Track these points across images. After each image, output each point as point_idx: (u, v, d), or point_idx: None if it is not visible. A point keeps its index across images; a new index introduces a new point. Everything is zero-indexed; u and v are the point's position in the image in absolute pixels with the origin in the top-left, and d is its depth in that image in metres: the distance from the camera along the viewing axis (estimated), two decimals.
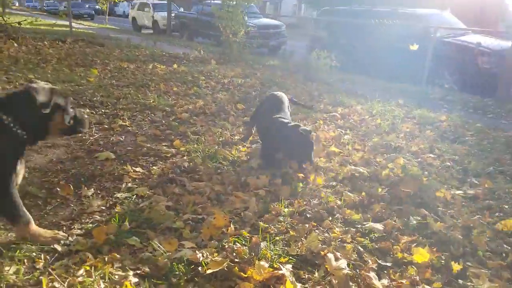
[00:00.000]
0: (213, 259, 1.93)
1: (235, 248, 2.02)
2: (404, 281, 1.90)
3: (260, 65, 10.33)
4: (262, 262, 1.90)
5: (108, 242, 2.07)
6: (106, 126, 4.01)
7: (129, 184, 2.81)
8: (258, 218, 2.43)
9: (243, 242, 2.13)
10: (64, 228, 2.23)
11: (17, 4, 45.21)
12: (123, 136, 3.79)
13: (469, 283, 1.94)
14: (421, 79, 7.85)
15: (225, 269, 1.85)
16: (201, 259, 1.93)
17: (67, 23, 14.52)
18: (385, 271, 2.01)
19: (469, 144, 4.42)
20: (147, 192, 2.67)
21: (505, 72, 8.01)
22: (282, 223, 2.38)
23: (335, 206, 2.64)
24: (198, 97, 5.66)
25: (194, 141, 3.76)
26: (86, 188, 2.64)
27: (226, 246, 2.06)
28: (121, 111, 4.54)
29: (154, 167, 3.11)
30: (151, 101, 4.96)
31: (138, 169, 3.06)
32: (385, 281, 1.92)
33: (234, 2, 10.41)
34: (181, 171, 3.03)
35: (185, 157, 3.31)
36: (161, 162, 3.24)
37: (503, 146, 4.41)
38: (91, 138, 3.66)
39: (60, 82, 5.73)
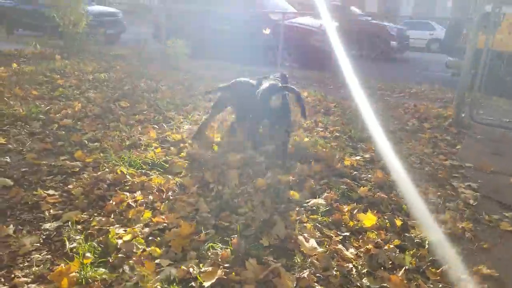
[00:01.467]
0: (201, 270, 1.87)
1: (219, 254, 1.99)
2: (369, 246, 2.19)
3: (110, 56, 9.56)
4: (251, 261, 1.93)
5: (73, 283, 1.77)
6: None
7: (52, 211, 2.39)
8: (216, 218, 2.40)
9: (221, 246, 2.10)
10: (3, 280, 1.80)
11: None
12: (8, 157, 3.12)
13: (412, 234, 2.35)
14: (275, 61, 8.54)
15: (223, 277, 1.82)
16: (193, 273, 1.84)
17: None
18: (347, 241, 2.27)
19: (339, 115, 5.14)
20: (83, 216, 2.33)
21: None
22: (242, 218, 2.40)
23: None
24: (68, 98, 4.98)
25: (97, 150, 3.37)
26: (5, 227, 2.15)
27: (209, 254, 2.00)
28: None
29: (69, 186, 2.69)
30: (20, 110, 4.14)
31: (51, 191, 2.61)
32: (352, 250, 2.17)
33: None
34: (108, 185, 2.71)
35: (106, 169, 2.95)
36: (73, 179, 2.81)
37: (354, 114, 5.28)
38: None
39: None
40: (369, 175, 3.21)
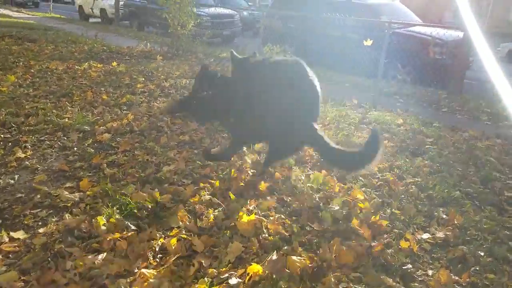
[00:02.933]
0: None
1: None
2: None
3: (212, 58, 9.45)
4: None
5: None
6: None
7: None
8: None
9: None
10: None
11: None
12: (16, 176, 2.90)
13: None
14: (376, 72, 7.30)
15: None
16: None
17: (9, 12, 12.85)
18: None
19: (431, 156, 3.87)
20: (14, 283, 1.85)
21: (457, 63, 7.65)
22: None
23: None
24: (130, 107, 4.77)
25: (108, 178, 2.93)
26: None
27: None
28: (25, 136, 3.59)
29: (41, 230, 2.27)
30: (67, 120, 4.03)
31: (18, 234, 2.22)
32: None
33: None
34: (73, 237, 2.21)
35: (87, 210, 2.48)
36: (54, 219, 2.40)
37: (464, 156, 3.92)
38: None
39: None
40: (429, 274, 2.10)
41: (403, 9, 9.80)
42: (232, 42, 14.17)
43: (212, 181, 2.95)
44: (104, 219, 2.31)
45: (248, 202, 2.61)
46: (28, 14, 20.68)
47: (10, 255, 2.07)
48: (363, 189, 3.06)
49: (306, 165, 3.43)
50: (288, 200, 2.78)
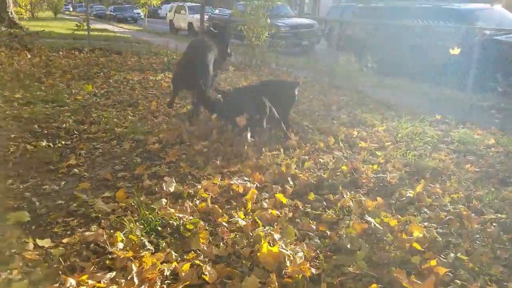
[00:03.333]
0: None
1: None
2: None
3: (284, 68, 9.36)
4: None
5: None
6: (51, 167, 3.28)
7: (11, 275, 2.01)
8: None
9: None
10: None
11: (71, 10, 47.33)
12: (63, 183, 3.04)
13: None
14: (466, 84, 6.47)
15: None
16: None
17: (110, 27, 14.35)
18: None
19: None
20: None
21: None
22: None
23: None
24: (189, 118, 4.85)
25: (144, 191, 2.93)
26: None
27: None
28: (83, 143, 3.81)
29: (65, 240, 2.30)
30: (124, 129, 4.20)
31: (43, 242, 2.27)
32: None
33: (257, 3, 9.49)
34: (90, 251, 2.20)
35: (114, 222, 2.48)
36: (81, 229, 2.43)
37: None
38: (20, 186, 2.95)
39: (43, 102, 5.16)
40: None
41: (505, 14, 8.65)
42: (311, 51, 13.95)
43: (245, 200, 2.77)
44: (122, 235, 2.26)
45: (274, 228, 2.37)
46: (126, 28, 22.91)
47: (30, 264, 2.11)
48: (425, 223, 2.61)
49: (359, 190, 3.07)
50: (328, 232, 2.47)
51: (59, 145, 3.75)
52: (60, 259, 2.11)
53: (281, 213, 2.65)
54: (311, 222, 2.59)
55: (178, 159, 3.56)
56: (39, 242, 2.26)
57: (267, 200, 2.83)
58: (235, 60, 9.86)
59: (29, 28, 11.55)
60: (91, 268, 2.04)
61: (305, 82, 7.70)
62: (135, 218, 2.49)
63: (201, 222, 2.49)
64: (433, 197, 2.95)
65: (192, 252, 2.22)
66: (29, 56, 8.54)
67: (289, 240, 2.31)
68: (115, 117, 4.60)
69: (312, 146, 3.99)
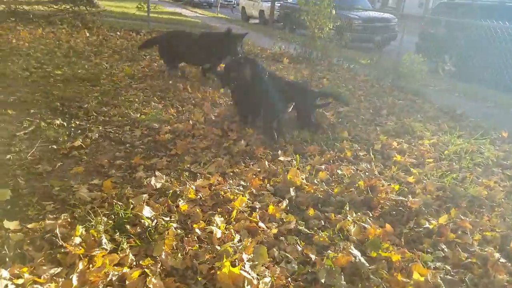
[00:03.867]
0: None
1: None
2: None
3: (346, 63, 8.91)
4: None
5: None
6: (54, 147, 3.35)
7: None
8: None
9: None
10: None
11: None
12: (59, 164, 3.09)
13: None
14: None
15: None
16: None
17: (184, 11, 14.76)
18: None
19: None
20: None
21: None
22: None
23: None
24: (215, 105, 4.78)
25: (134, 183, 2.87)
26: None
27: None
28: (96, 125, 3.87)
29: (29, 225, 2.29)
30: (140, 115, 4.21)
31: (10, 224, 2.28)
32: None
33: None
34: (44, 241, 2.16)
35: (86, 214, 2.43)
36: (52, 216, 2.40)
37: None
38: (16, 163, 3.04)
39: (79, 80, 5.39)
40: None
41: None
42: (385, 48, 13.16)
43: (232, 207, 2.58)
44: (82, 229, 2.20)
45: (246, 245, 2.15)
46: (199, 13, 23.53)
47: None
48: (437, 264, 2.23)
49: (369, 212, 2.72)
50: (312, 257, 2.20)
51: (73, 125, 3.83)
52: (15, 245, 2.10)
53: (267, 228, 2.43)
54: (299, 242, 2.34)
55: (184, 152, 3.46)
56: (5, 224, 2.27)
57: (257, 210, 2.62)
58: (294, 52, 9.62)
59: (103, 6, 12.24)
60: (39, 260, 2.00)
61: (364, 81, 7.26)
62: (107, 212, 2.43)
63: (174, 227, 2.35)
64: (459, 232, 2.53)
65: (150, 258, 2.09)
66: (87, 34, 9.04)
67: (260, 262, 2.08)
68: (139, 102, 4.63)
69: (336, 154, 3.67)
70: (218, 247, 2.17)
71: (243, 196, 2.68)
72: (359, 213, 2.67)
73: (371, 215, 2.68)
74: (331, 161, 3.55)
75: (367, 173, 3.27)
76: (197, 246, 2.19)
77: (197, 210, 2.55)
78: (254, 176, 3.07)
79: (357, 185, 3.03)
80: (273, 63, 8.52)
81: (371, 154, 3.69)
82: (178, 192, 2.74)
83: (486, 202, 2.94)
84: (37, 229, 2.26)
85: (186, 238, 2.24)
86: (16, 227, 2.28)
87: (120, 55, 7.46)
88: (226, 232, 2.34)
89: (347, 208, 2.69)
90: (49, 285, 1.83)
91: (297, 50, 9.58)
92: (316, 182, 3.07)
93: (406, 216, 2.69)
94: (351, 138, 4.14)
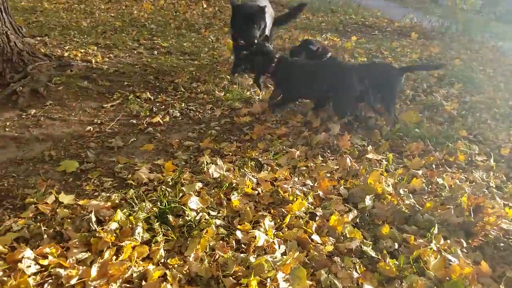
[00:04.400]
0: None
1: None
2: None
3: (493, 41, 7.61)
4: None
5: None
6: (134, 122, 3.46)
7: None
8: None
9: None
10: None
11: None
12: (132, 140, 3.17)
13: None
14: None
15: None
16: None
17: None
18: None
19: None
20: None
21: None
22: None
23: None
24: None
25: (195, 168, 2.78)
26: None
27: None
28: (180, 102, 3.90)
29: (81, 201, 2.37)
30: (224, 94, 4.11)
31: (65, 198, 2.39)
32: None
33: None
34: (84, 221, 2.18)
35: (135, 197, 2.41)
36: (105, 194, 2.45)
37: None
38: (94, 135, 3.20)
39: (181, 53, 5.55)
40: None
41: None
42: None
43: (287, 210, 2.30)
44: (121, 215, 2.17)
45: (285, 263, 1.85)
46: None
47: (38, 216, 2.25)
48: None
49: (464, 241, 2.16)
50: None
51: (159, 99, 3.92)
52: (53, 222, 2.17)
53: (322, 243, 2.10)
54: (358, 267, 1.96)
55: (259, 138, 3.27)
56: (60, 197, 2.38)
57: (317, 218, 2.29)
58: (428, 25, 8.57)
59: None
60: (72, 242, 2.03)
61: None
62: (155, 198, 2.38)
63: (216, 224, 2.19)
64: None
65: (178, 258, 1.97)
66: (205, 6, 9.34)
67: (296, 286, 1.79)
68: (229, 80, 4.55)
69: (443, 157, 3.06)
70: (253, 259, 1.93)
71: (303, 200, 2.36)
72: (449, 240, 2.15)
73: (465, 245, 2.13)
74: (433, 165, 2.97)
75: (468, 188, 2.64)
76: (231, 253, 1.98)
77: (248, 208, 2.33)
78: (327, 175, 2.72)
79: (458, 201, 2.46)
80: (399, 37, 7.69)
81: (491, 160, 2.99)
82: (233, 185, 2.55)
83: None
84: (85, 207, 2.31)
85: (221, 242, 2.05)
86: (69, 202, 2.37)
87: (229, 27, 7.50)
88: (271, 240, 2.08)
89: (435, 231, 2.18)
90: (70, 271, 1.82)
91: (431, 24, 8.49)
92: (403, 191, 2.57)
93: None
94: (472, 137, 3.43)
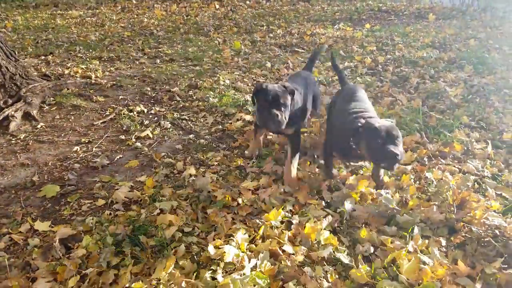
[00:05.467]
0: None
1: None
2: None
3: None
4: None
5: None
6: (122, 137, 3.45)
7: None
8: None
9: None
10: None
11: None
12: (118, 157, 3.16)
13: None
14: None
15: None
16: None
17: None
18: None
19: None
20: None
21: None
22: None
23: None
24: None
25: (178, 186, 2.73)
26: None
27: None
28: (172, 112, 3.87)
29: (55, 228, 2.36)
30: (220, 98, 4.04)
31: (41, 225, 2.39)
32: None
33: None
34: (48, 254, 2.17)
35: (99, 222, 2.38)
36: (79, 219, 2.43)
37: None
38: (81, 154, 3.22)
39: (184, 59, 5.55)
40: None
41: None
42: None
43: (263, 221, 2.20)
44: (89, 240, 2.14)
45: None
46: None
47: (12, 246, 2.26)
48: None
49: (445, 238, 1.97)
50: None
51: (153, 111, 3.91)
52: (24, 252, 2.17)
53: (295, 253, 1.99)
54: (330, 275, 1.84)
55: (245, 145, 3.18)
56: (36, 225, 2.39)
57: (293, 227, 2.17)
58: (449, 3, 8.16)
59: None
60: (41, 271, 2.02)
61: None
62: (127, 219, 2.34)
63: (185, 242, 2.12)
64: None
65: (145, 281, 1.92)
66: (217, 6, 9.33)
67: None
68: (227, 84, 4.47)
69: (438, 148, 2.87)
70: (221, 278, 1.85)
71: (279, 209, 2.25)
72: (429, 240, 1.98)
73: (444, 243, 1.95)
74: (425, 158, 2.78)
75: (452, 183, 2.43)
76: (195, 273, 1.90)
77: (223, 221, 2.25)
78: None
79: (444, 196, 2.27)
80: (416, 20, 7.34)
81: (489, 148, 2.78)
82: (211, 197, 2.48)
83: None
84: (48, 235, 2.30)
85: (186, 262, 1.97)
86: (44, 229, 2.37)
87: (238, 27, 7.45)
88: (241, 255, 1.99)
89: (414, 232, 2.01)
90: None
91: (452, 2, 8.07)
92: (385, 192, 2.40)
93: (496, 252, 1.88)
94: (474, 123, 3.20)
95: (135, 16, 8.75)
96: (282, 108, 2.42)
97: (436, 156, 2.82)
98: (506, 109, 3.47)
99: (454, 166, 2.67)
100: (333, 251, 1.97)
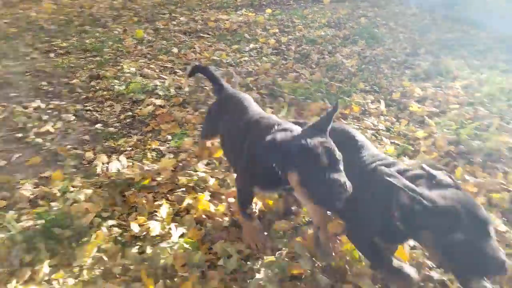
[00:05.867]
0: None
1: None
2: None
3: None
4: None
5: None
6: (21, 135, 3.19)
7: None
8: None
9: None
10: None
11: None
12: (16, 155, 2.90)
13: None
14: None
15: None
16: None
17: None
18: None
19: None
20: None
21: None
22: None
23: None
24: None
25: (89, 176, 2.60)
26: None
27: None
28: (73, 104, 3.65)
29: None
30: (127, 85, 3.91)
31: None
32: None
33: None
34: None
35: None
36: None
37: None
38: None
39: (81, 51, 5.24)
40: None
41: None
42: None
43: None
44: None
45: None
46: None
47: None
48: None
49: None
50: None
51: (51, 106, 3.65)
52: None
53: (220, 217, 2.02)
54: None
55: (160, 127, 3.13)
56: None
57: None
58: None
59: None
60: None
61: (415, 15, 6.43)
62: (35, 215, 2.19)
63: (107, 226, 2.05)
64: None
65: (66, 270, 1.81)
66: None
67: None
68: (133, 72, 4.32)
69: (339, 110, 3.21)
70: (150, 249, 1.82)
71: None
72: None
73: None
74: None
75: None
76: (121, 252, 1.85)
77: (144, 200, 2.22)
78: None
79: None
80: (312, 4, 7.74)
81: (382, 106, 3.18)
82: (129, 181, 2.41)
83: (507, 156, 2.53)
84: None
85: (109, 244, 1.91)
86: None
87: (139, 16, 7.22)
88: (167, 227, 1.98)
89: None
90: None
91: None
92: None
93: None
94: (369, 88, 3.67)
95: (20, 11, 8.03)
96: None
97: (339, 117, 3.16)
98: (394, 74, 4.09)
99: (354, 124, 3.04)
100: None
